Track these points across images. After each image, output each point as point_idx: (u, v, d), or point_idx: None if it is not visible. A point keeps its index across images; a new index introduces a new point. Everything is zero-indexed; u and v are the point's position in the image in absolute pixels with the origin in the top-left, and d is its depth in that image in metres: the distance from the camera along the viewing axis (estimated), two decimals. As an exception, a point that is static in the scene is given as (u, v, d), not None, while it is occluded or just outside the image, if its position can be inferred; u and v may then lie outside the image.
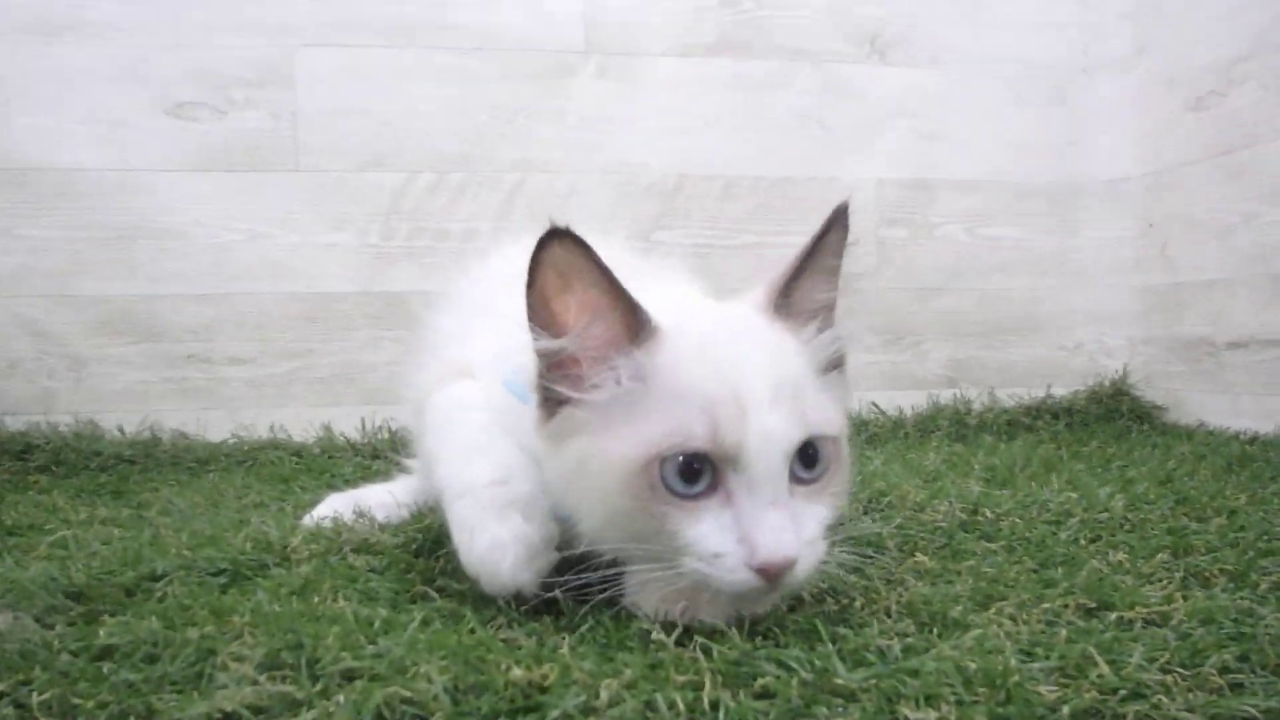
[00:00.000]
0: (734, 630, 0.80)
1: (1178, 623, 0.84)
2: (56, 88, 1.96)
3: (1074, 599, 0.91)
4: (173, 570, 1.02)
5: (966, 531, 1.20)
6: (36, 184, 1.97)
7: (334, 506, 1.33)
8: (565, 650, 0.75)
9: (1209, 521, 1.21)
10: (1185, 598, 0.90)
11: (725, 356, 0.81)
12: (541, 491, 0.90)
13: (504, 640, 0.80)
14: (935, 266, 2.36)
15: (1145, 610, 0.87)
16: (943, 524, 1.22)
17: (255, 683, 0.69)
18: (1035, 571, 1.02)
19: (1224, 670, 0.73)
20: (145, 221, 2.00)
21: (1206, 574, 1.00)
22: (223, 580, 1.02)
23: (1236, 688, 0.71)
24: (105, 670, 0.74)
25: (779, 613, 0.86)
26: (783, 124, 2.28)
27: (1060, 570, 1.02)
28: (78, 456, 1.84)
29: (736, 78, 2.25)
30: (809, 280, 0.89)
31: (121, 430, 1.97)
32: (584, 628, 0.82)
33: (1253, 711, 0.66)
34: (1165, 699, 0.67)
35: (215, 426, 2.00)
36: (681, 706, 0.64)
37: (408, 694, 0.65)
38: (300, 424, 2.03)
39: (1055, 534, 1.18)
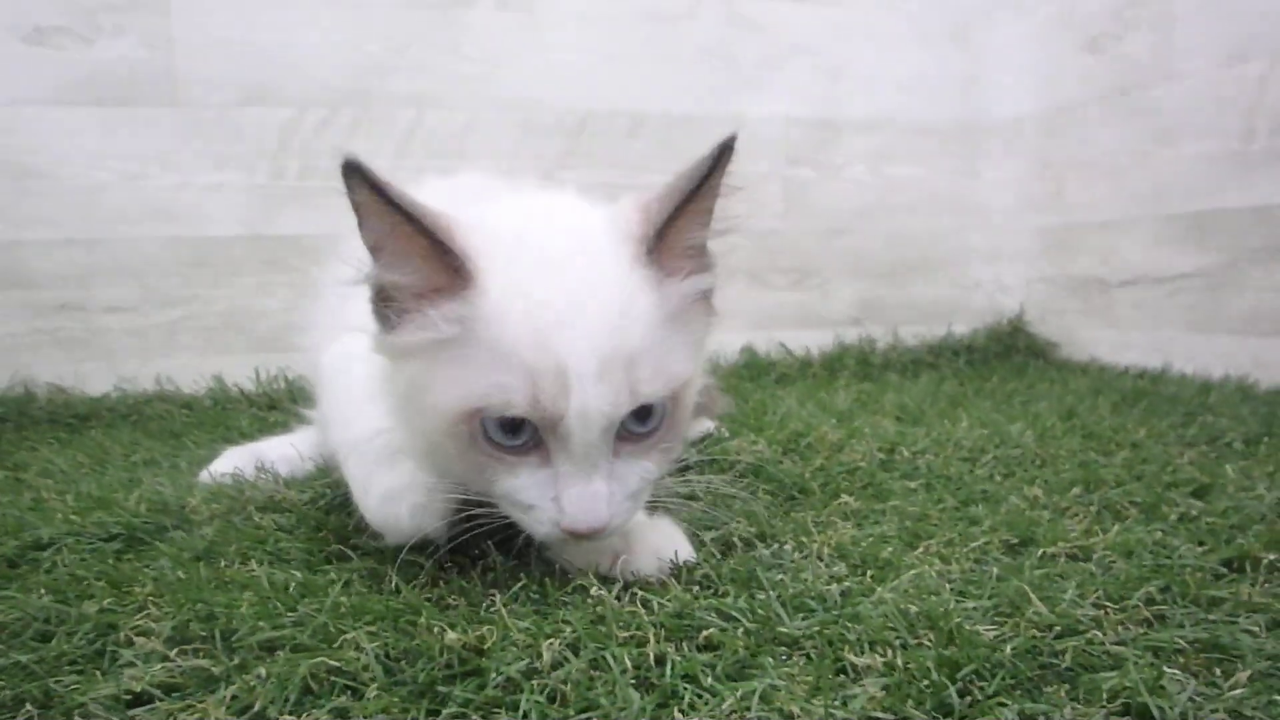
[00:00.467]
0: (672, 580, 0.80)
1: (1100, 557, 0.87)
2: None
3: (998, 535, 0.94)
4: (60, 538, 0.96)
5: (886, 471, 1.23)
6: None
7: (233, 461, 1.27)
8: (500, 609, 0.73)
9: (1114, 455, 1.27)
10: (1103, 531, 0.94)
11: (555, 319, 0.75)
12: None
13: (432, 600, 0.78)
14: (841, 207, 2.38)
15: (1067, 545, 0.90)
16: (862, 464, 1.25)
17: (166, 659, 0.66)
18: (957, 509, 1.06)
19: (1149, 602, 0.76)
20: (5, 160, 1.84)
21: (1118, 507, 1.04)
22: (117, 546, 0.96)
23: (1162, 619, 0.74)
24: (-8, 650, 0.69)
25: (714, 560, 0.87)
26: (689, 59, 2.24)
27: (981, 507, 1.05)
28: (-60, 415, 1.70)
29: (642, 11, 2.19)
30: (684, 222, 0.83)
31: (-11, 385, 1.83)
32: (518, 585, 0.80)
33: (1182, 643, 0.68)
34: (1099, 633, 0.70)
35: (95, 379, 1.88)
36: (628, 663, 0.64)
37: (336, 664, 0.63)
38: (188, 375, 1.93)
39: (972, 471, 1.21)
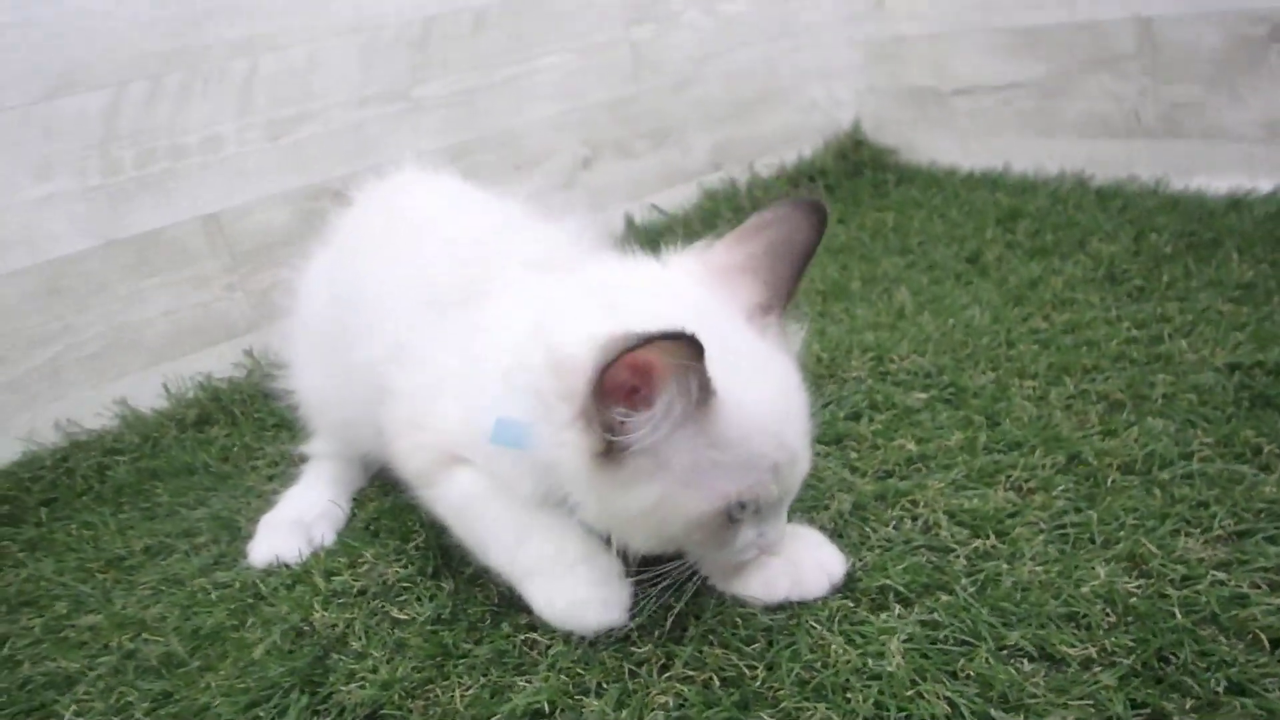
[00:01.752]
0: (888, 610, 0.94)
1: (1143, 470, 1.08)
2: None
3: (1049, 458, 1.13)
4: (238, 714, 0.95)
5: (893, 384, 1.38)
6: None
7: (281, 539, 1.25)
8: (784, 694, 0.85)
9: (1054, 319, 1.49)
10: (1122, 430, 1.15)
11: (784, 421, 0.89)
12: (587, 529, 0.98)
13: (692, 679, 0.88)
14: (684, 57, 2.39)
15: (1115, 460, 1.10)
16: (867, 379, 1.41)
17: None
18: (988, 426, 1.23)
19: (1218, 521, 0.97)
20: None
21: (1110, 395, 1.25)
22: (304, 700, 0.95)
23: (1242, 535, 0.96)
24: None
25: (866, 560, 1.01)
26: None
27: (1008, 423, 1.23)
28: None
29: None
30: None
31: None
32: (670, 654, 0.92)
33: (1264, 563, 0.91)
34: (1214, 572, 0.90)
35: (-9, 448, 1.67)
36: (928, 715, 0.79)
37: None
38: (89, 411, 1.75)
39: (960, 368, 1.39)
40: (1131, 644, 0.85)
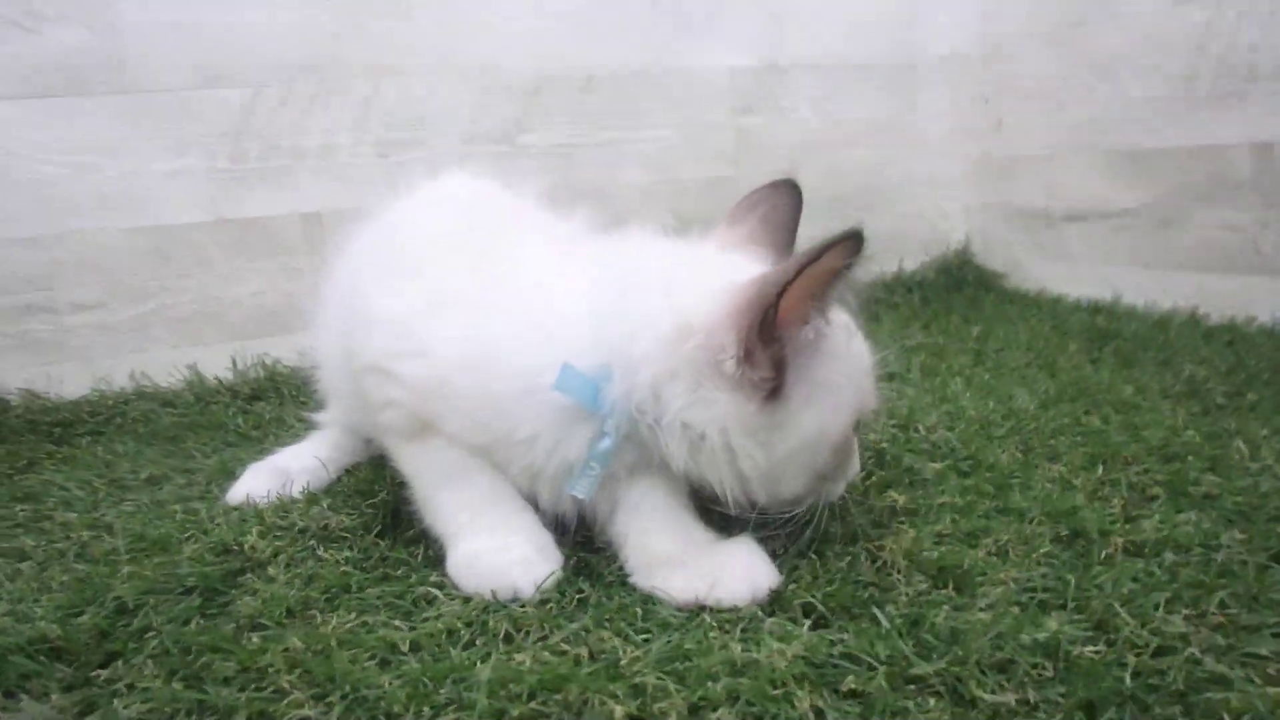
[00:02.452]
0: (789, 623, 0.85)
1: (1153, 550, 0.95)
2: None
3: (1046, 529, 1.01)
4: (140, 598, 0.96)
5: (911, 451, 1.29)
6: None
7: (259, 481, 1.28)
8: (646, 667, 0.78)
9: (1111, 419, 1.36)
10: (1143, 518, 1.02)
11: (857, 334, 0.98)
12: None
13: (555, 652, 0.82)
14: (790, 149, 2.42)
15: (1120, 539, 0.97)
16: (885, 444, 1.31)
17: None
18: (995, 496, 1.12)
19: (1222, 606, 0.83)
20: (-58, 158, 1.73)
21: (1143, 486, 1.12)
22: (198, 601, 0.97)
23: (1233, 623, 0.81)
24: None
25: (803, 581, 0.92)
26: (637, 15, 2.21)
27: (1016, 494, 1.11)
28: (-86, 435, 1.64)
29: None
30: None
31: (-44, 397, 1.76)
32: (621, 622, 0.86)
33: (1266, 652, 0.76)
34: (1197, 650, 0.77)
35: (70, 381, 1.82)
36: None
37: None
38: (163, 368, 1.89)
39: (988, 449, 1.28)
40: (1059, 698, 0.73)
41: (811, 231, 2.41)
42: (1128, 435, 1.29)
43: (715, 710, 0.70)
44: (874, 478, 1.22)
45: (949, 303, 2.36)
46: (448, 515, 1.02)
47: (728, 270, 0.94)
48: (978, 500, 1.11)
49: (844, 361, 0.94)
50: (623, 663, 0.79)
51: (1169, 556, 0.94)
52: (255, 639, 0.87)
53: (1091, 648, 0.78)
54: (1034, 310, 2.20)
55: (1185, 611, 0.83)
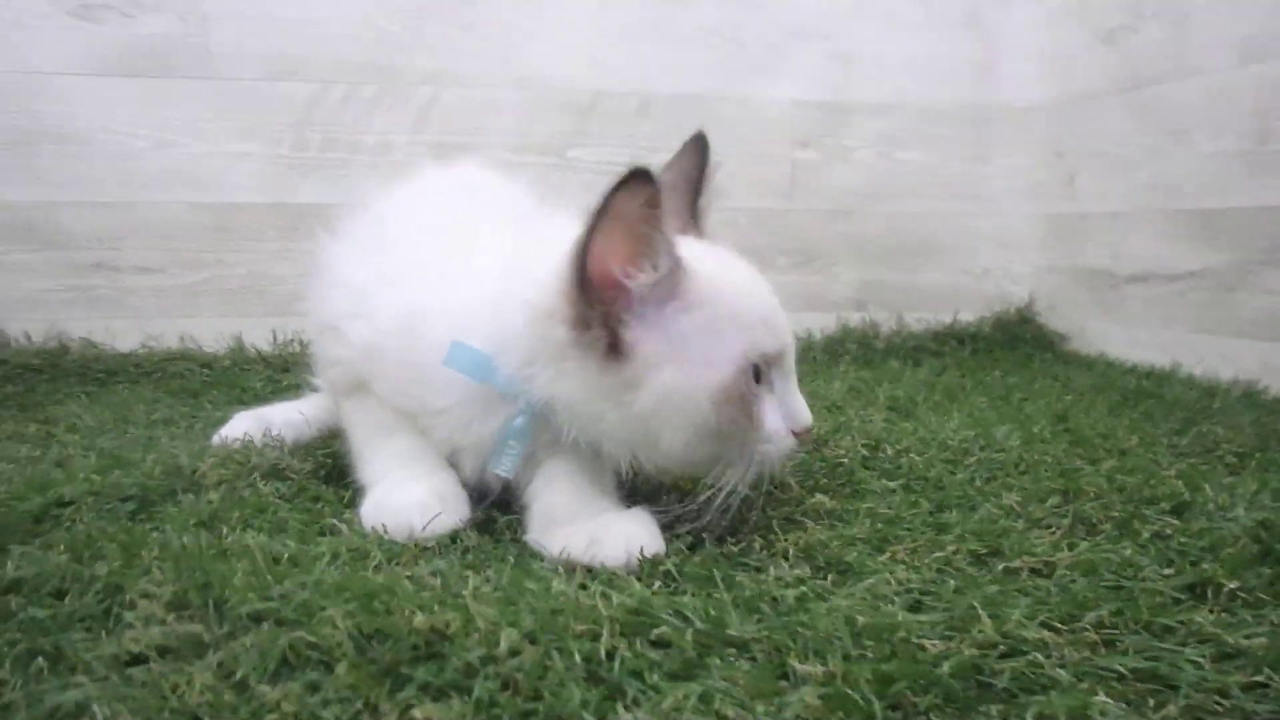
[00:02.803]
0: (633, 578, 0.85)
1: (1061, 574, 0.88)
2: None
3: (966, 545, 0.96)
4: (80, 497, 1.04)
5: (868, 469, 1.26)
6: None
7: (243, 426, 1.35)
8: (469, 594, 0.79)
9: (1101, 463, 1.27)
10: (1071, 546, 0.95)
11: (748, 280, 0.98)
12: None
13: (410, 579, 0.83)
14: (847, 189, 2.41)
15: (1032, 560, 0.91)
16: (845, 460, 1.28)
17: (163, 623, 0.73)
18: (931, 514, 1.07)
19: (1100, 626, 0.77)
20: (48, 126, 1.92)
21: (1093, 521, 1.04)
22: (131, 507, 1.03)
23: (1111, 644, 0.75)
24: (14, 605, 0.77)
25: (682, 555, 0.92)
26: (697, 40, 2.26)
27: (955, 513, 1.06)
28: (-20, 365, 1.81)
29: (657, -5, 2.23)
30: (707, 204, 1.10)
31: (28, 337, 1.93)
32: (490, 569, 0.87)
33: (1122, 670, 0.71)
34: (1041, 656, 0.72)
35: (124, 336, 1.97)
36: (578, 657, 0.69)
37: (313, 639, 0.69)
38: (210, 335, 2.02)
39: (953, 473, 1.23)
40: (869, 677, 0.69)
41: (868, 277, 2.42)
42: (1103, 476, 1.22)
43: (509, 632, 0.70)
44: (816, 484, 1.19)
45: (997, 358, 2.27)
46: (370, 465, 1.07)
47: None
48: (908, 514, 1.07)
49: (707, 308, 0.91)
50: (462, 591, 0.80)
51: (1072, 578, 0.89)
52: (150, 533, 0.92)
53: (933, 640, 0.74)
54: (1083, 371, 2.09)
55: (1058, 625, 0.78)
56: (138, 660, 0.69)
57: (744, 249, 2.27)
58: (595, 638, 0.71)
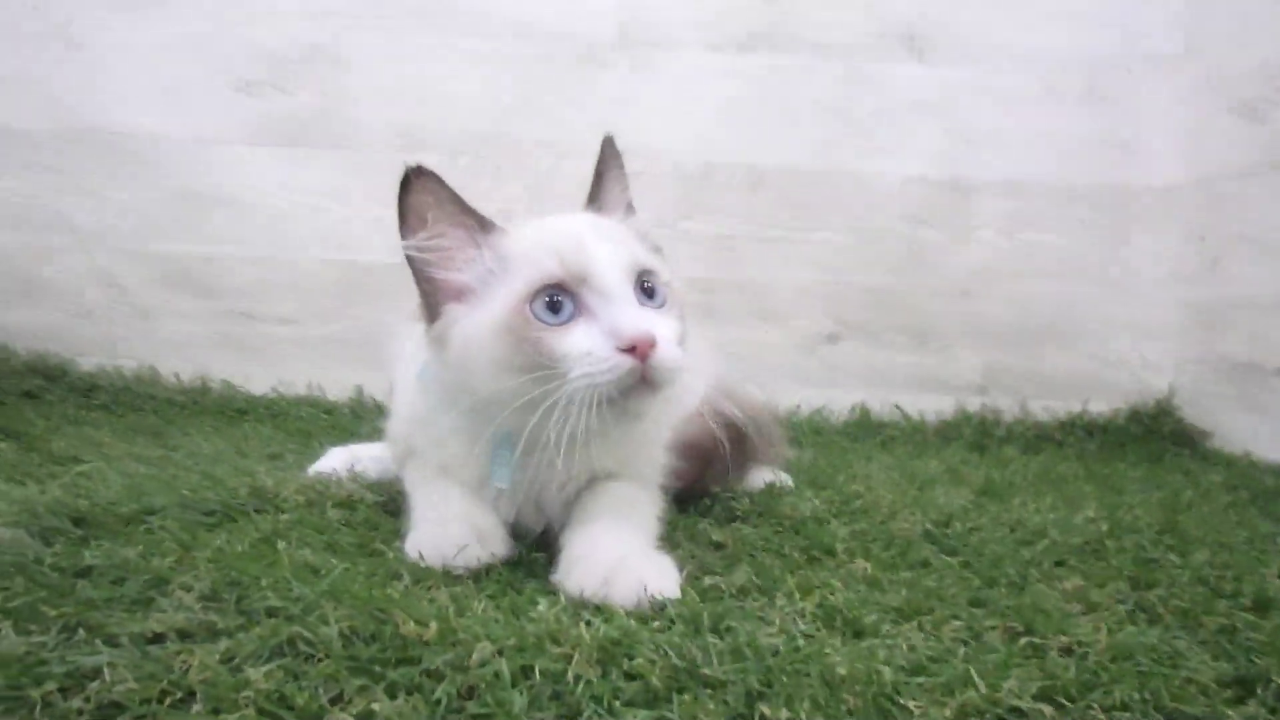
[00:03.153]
0: (620, 612, 0.86)
1: (1089, 655, 0.83)
2: (139, 60, 2.14)
3: (1003, 621, 0.91)
4: (170, 507, 1.14)
5: (931, 543, 1.21)
6: (120, 149, 2.16)
7: (334, 461, 1.46)
8: (475, 611, 0.82)
9: (1190, 556, 1.18)
10: (1115, 631, 0.89)
11: (560, 225, 1.05)
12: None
13: (428, 599, 0.88)
14: (968, 268, 2.35)
15: (1065, 639, 0.86)
16: (907, 532, 1.24)
17: (190, 610, 0.80)
18: (979, 590, 1.03)
19: (1111, 707, 0.73)
20: (211, 188, 2.17)
21: (1157, 609, 0.98)
22: (212, 520, 1.13)
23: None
24: (78, 587, 0.86)
25: (694, 602, 0.91)
26: (812, 118, 2.29)
27: (1002, 590, 1.02)
28: (134, 398, 2.02)
29: (767, 70, 2.28)
30: (608, 186, 1.17)
31: (178, 377, 2.14)
32: (491, 593, 0.90)
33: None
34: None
35: (259, 380, 2.15)
36: (540, 675, 0.70)
37: (308, 634, 0.74)
38: (335, 384, 2.17)
39: (1018, 553, 1.17)
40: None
41: (991, 360, 2.32)
42: (1188, 569, 1.12)
43: (482, 645, 0.72)
44: (867, 552, 1.15)
45: (1126, 452, 2.11)
46: (418, 506, 1.14)
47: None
48: (953, 588, 1.03)
49: (502, 260, 1.01)
50: (461, 615, 0.83)
51: (1100, 659, 0.83)
52: (212, 539, 1.00)
53: (913, 700, 0.72)
54: (1220, 469, 1.92)
55: (1061, 700, 0.74)
56: (158, 639, 0.75)
57: (856, 325, 2.27)
58: (568, 659, 0.73)
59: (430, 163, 2.11)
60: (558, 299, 0.97)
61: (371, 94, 2.18)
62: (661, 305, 1.03)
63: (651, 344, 0.94)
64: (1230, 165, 2.18)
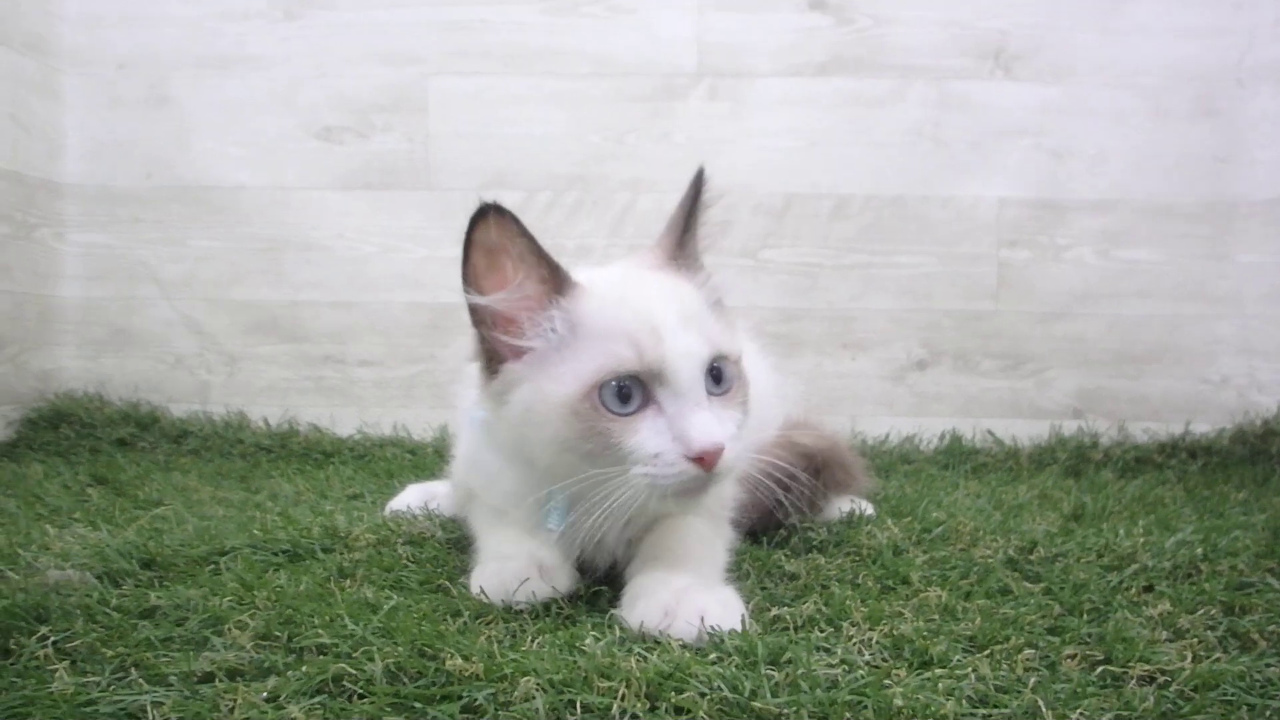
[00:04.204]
0: (675, 644, 0.83)
1: (1170, 685, 0.78)
2: (225, 115, 2.23)
3: (1081, 649, 0.86)
4: (240, 548, 1.15)
5: (1014, 570, 1.15)
6: (206, 200, 2.25)
7: (410, 498, 1.46)
8: (526, 646, 0.80)
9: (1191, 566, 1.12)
10: (1202, 659, 0.83)
11: (638, 297, 0.96)
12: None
13: (485, 634, 0.86)
14: (1061, 290, 2.23)
15: (1146, 668, 0.81)
16: (989, 559, 1.18)
17: (242, 649, 0.79)
18: (1059, 618, 0.97)
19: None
20: (294, 235, 2.24)
21: (1251, 636, 0.91)
22: (280, 560, 1.14)
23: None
24: (139, 627, 0.86)
25: (756, 634, 0.87)
26: (896, 142, 2.23)
27: (1083, 618, 0.96)
28: (223, 444, 2.08)
29: (849, 96, 2.23)
30: (693, 236, 1.08)
31: (266, 422, 2.19)
32: (547, 628, 0.87)
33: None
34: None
35: (344, 422, 2.19)
36: (581, 708, 0.67)
37: (354, 672, 0.73)
38: (420, 424, 2.19)
39: (1104, 579, 1.10)
40: None
41: (1086, 383, 2.20)
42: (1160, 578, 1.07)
43: (526, 680, 0.69)
44: (944, 579, 1.09)
45: (1231, 474, 1.96)
46: (484, 546, 1.12)
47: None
48: (1030, 616, 0.96)
49: (576, 326, 0.93)
50: (515, 647, 0.80)
51: (1182, 689, 0.77)
52: (275, 580, 1.00)
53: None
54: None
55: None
56: (208, 678, 0.75)
57: (946, 351, 2.18)
58: (614, 694, 0.70)
59: (512, 199, 2.15)
60: (627, 388, 0.92)
61: (452, 137, 2.22)
62: (727, 391, 0.97)
63: (720, 454, 0.91)
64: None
